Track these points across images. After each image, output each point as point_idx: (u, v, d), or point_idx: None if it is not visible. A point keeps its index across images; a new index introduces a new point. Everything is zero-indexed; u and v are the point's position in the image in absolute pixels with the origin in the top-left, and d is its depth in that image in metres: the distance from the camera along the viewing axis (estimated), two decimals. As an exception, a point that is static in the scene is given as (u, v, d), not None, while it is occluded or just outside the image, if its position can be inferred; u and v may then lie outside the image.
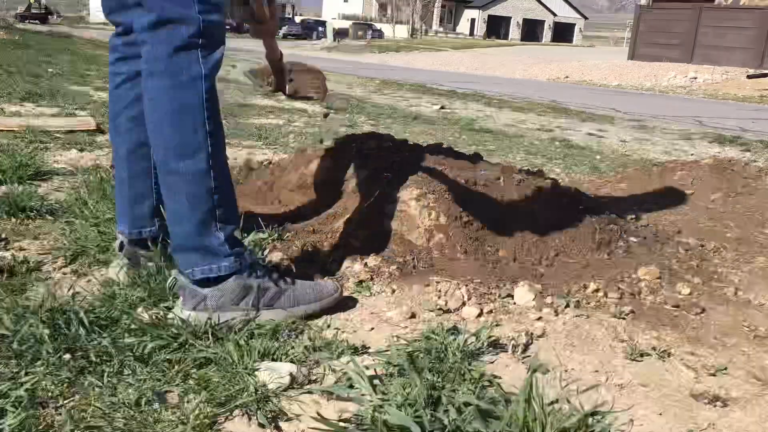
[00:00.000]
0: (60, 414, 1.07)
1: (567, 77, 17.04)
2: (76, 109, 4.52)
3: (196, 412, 1.11)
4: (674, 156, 4.84)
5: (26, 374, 1.16)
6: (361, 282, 1.73)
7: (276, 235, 1.96)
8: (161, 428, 1.06)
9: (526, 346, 1.46)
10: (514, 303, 1.69)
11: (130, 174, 1.61)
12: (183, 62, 1.32)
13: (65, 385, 1.15)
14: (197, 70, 1.33)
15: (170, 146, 1.35)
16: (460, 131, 5.40)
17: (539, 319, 1.61)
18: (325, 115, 2.51)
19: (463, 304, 1.64)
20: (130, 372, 1.21)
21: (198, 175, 1.36)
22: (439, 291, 1.68)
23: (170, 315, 1.40)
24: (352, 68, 15.39)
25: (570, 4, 61.29)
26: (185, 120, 1.34)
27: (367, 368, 1.25)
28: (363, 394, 1.18)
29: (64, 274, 1.69)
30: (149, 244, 1.64)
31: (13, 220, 2.02)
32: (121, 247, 1.66)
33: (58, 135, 3.50)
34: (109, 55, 1.60)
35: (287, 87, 2.02)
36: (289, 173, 2.57)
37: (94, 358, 1.23)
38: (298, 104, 6.47)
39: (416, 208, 2.03)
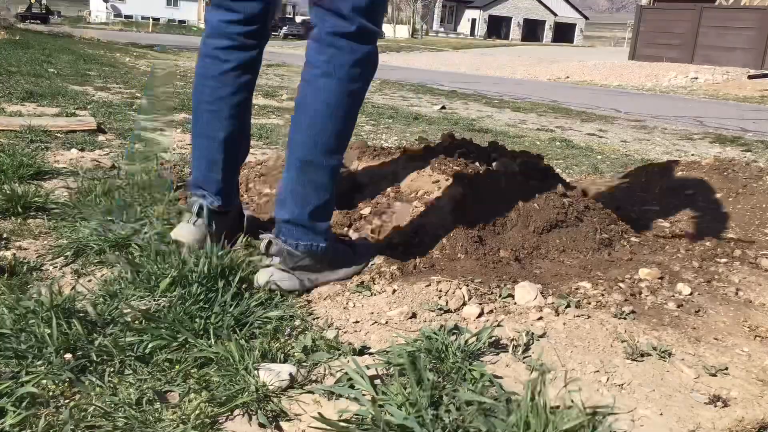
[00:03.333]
0: (61, 413, 1.07)
1: (568, 77, 17.04)
2: (76, 108, 4.52)
3: (197, 411, 1.11)
4: (675, 156, 4.84)
5: (27, 374, 1.16)
6: (361, 282, 1.73)
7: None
8: (162, 428, 1.06)
9: (527, 346, 1.46)
10: (515, 303, 1.69)
11: (226, 156, 1.77)
12: (359, 74, 1.53)
13: (66, 384, 1.15)
14: (365, 86, 1.57)
15: (325, 143, 1.54)
16: (460, 132, 5.41)
17: (540, 319, 1.61)
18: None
19: (464, 304, 1.64)
20: (131, 371, 1.21)
21: (334, 170, 1.59)
22: (440, 291, 1.68)
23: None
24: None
25: (571, 5, 61.25)
26: (348, 125, 1.58)
27: (367, 368, 1.25)
28: (364, 394, 1.18)
29: (65, 273, 1.69)
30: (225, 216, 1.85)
31: (14, 219, 2.02)
32: (200, 211, 1.78)
33: (58, 135, 3.50)
34: (215, 40, 1.69)
35: None
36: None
37: (95, 358, 1.23)
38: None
39: (418, 208, 2.03)
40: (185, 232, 1.75)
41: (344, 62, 1.51)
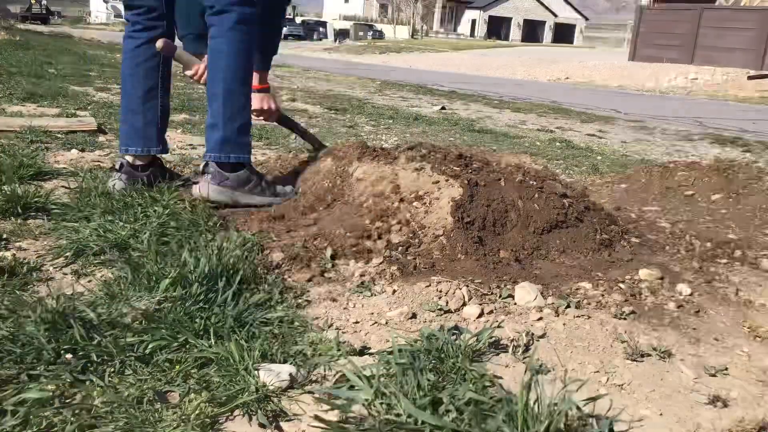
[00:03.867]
0: (61, 414, 1.07)
1: (568, 78, 17.05)
2: (77, 109, 4.53)
3: (197, 411, 1.11)
4: (675, 157, 4.85)
5: (27, 375, 1.16)
6: (362, 282, 1.73)
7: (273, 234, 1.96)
8: (162, 428, 1.06)
9: (527, 347, 1.46)
10: (515, 303, 1.69)
11: (144, 108, 2.35)
12: (238, 33, 2.18)
13: (66, 384, 1.15)
14: (248, 38, 2.21)
15: (234, 72, 2.19)
16: (460, 132, 5.40)
17: (540, 319, 1.61)
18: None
19: (464, 304, 1.64)
20: (131, 372, 1.21)
21: (248, 96, 2.26)
22: (440, 291, 1.68)
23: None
24: (352, 69, 15.40)
25: (571, 5, 61.25)
26: (241, 59, 2.20)
27: (368, 368, 1.25)
28: (363, 396, 1.18)
29: (65, 274, 1.69)
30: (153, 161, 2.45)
31: (14, 220, 2.02)
32: (121, 166, 2.36)
33: (59, 135, 3.50)
34: (128, 27, 2.36)
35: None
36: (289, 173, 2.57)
37: (95, 358, 1.23)
38: (300, 105, 6.48)
39: (418, 208, 2.04)
40: (111, 184, 2.30)
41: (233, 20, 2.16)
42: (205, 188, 2.21)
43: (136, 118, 2.35)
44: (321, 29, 41.71)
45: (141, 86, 2.34)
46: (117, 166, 2.36)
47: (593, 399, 1.14)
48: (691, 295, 1.84)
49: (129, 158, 2.37)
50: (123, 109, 2.40)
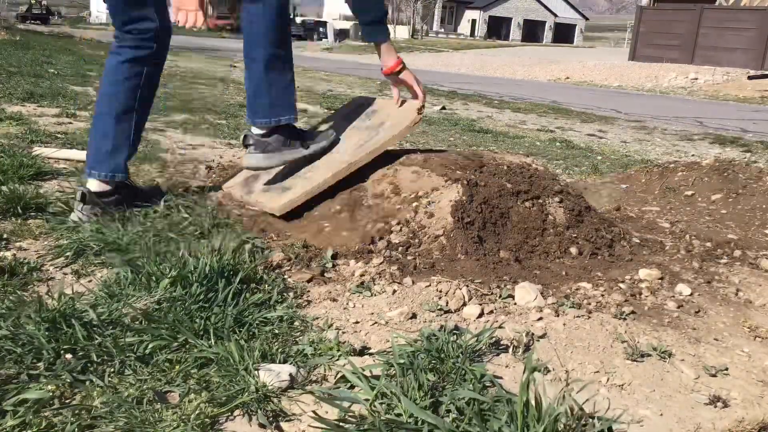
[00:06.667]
0: (61, 414, 1.07)
1: (568, 78, 17.05)
2: (77, 109, 4.53)
3: (197, 412, 1.11)
4: (675, 157, 4.85)
5: (28, 375, 1.16)
6: (362, 282, 1.73)
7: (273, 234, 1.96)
8: (162, 428, 1.06)
9: (527, 347, 1.46)
10: (515, 303, 1.69)
11: (116, 130, 2.10)
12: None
13: (66, 385, 1.15)
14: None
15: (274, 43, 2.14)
16: (460, 132, 5.40)
17: (540, 319, 1.61)
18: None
19: (464, 304, 1.64)
20: (131, 372, 1.21)
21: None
22: (440, 291, 1.68)
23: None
24: (352, 69, 15.39)
25: (571, 5, 61.26)
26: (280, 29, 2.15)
27: (368, 369, 1.25)
28: (363, 396, 1.18)
29: (65, 274, 1.69)
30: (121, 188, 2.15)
31: (14, 220, 2.02)
32: (84, 197, 2.05)
33: (58, 135, 3.50)
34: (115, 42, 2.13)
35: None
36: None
37: (95, 358, 1.23)
38: (300, 105, 6.47)
39: (418, 209, 2.04)
40: (75, 217, 2.04)
41: None
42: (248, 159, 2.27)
43: (105, 142, 2.09)
44: (321, 29, 41.70)
45: (117, 106, 2.09)
46: (79, 197, 2.06)
47: (593, 399, 1.14)
48: (691, 295, 1.84)
49: (93, 184, 2.09)
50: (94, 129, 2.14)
